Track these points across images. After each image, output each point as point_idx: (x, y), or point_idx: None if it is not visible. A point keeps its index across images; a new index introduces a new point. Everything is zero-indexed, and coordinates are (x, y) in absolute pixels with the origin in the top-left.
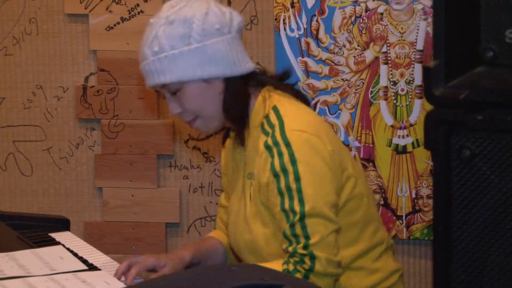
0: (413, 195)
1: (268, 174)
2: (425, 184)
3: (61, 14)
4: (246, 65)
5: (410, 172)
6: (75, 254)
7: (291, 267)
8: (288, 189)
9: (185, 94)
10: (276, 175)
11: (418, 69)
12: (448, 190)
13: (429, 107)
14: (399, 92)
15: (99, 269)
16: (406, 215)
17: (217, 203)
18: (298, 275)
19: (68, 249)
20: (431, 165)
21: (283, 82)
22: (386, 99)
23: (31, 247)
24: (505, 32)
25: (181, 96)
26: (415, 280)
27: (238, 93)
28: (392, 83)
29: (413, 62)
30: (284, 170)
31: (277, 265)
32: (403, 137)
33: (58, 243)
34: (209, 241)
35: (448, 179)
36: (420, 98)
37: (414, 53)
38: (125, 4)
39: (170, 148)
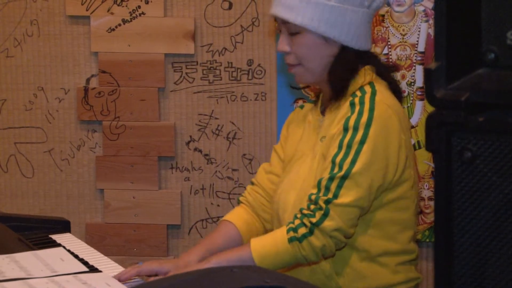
0: None
1: (339, 126)
2: (426, 186)
3: (63, 16)
4: (366, 43)
5: None
6: (76, 256)
7: (296, 222)
8: (349, 146)
9: (300, 40)
10: (346, 129)
11: (419, 71)
12: (450, 192)
13: (430, 108)
14: None
15: (100, 271)
16: None
17: (218, 205)
18: (302, 229)
19: (68, 250)
20: (432, 167)
21: (389, 72)
22: None
23: (32, 249)
24: (506, 33)
25: (296, 39)
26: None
27: (348, 64)
28: None
29: (414, 64)
30: (356, 128)
31: (280, 229)
32: None
33: (59, 245)
34: (222, 231)
35: (449, 181)
36: (422, 100)
37: (415, 55)
38: (126, 6)
39: (171, 149)
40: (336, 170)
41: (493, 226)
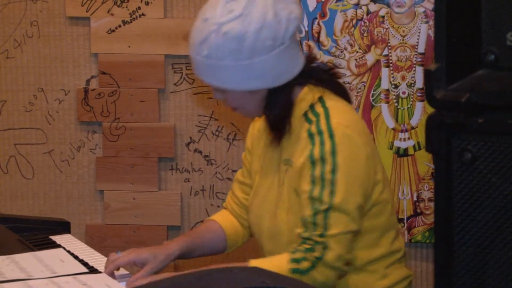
0: (415, 198)
1: (304, 160)
2: (426, 187)
3: (63, 17)
4: (294, 69)
5: (412, 175)
6: (76, 257)
7: (298, 255)
8: (322, 178)
9: (227, 95)
10: (313, 162)
11: (419, 72)
12: (450, 193)
13: (430, 110)
14: (401, 95)
15: (100, 272)
16: (408, 218)
17: (218, 206)
18: (305, 263)
19: (68, 251)
20: (432, 168)
21: (330, 75)
22: (387, 102)
23: (32, 250)
24: (506, 35)
25: (224, 94)
26: (416, 284)
27: (280, 101)
28: (393, 86)
29: (414, 65)
30: (323, 159)
31: (282, 257)
32: (404, 140)
33: (59, 246)
34: (207, 227)
35: (449, 182)
36: (422, 101)
37: (415, 56)
38: (126, 7)
39: (171, 151)
40: (317, 204)
41: (493, 226)
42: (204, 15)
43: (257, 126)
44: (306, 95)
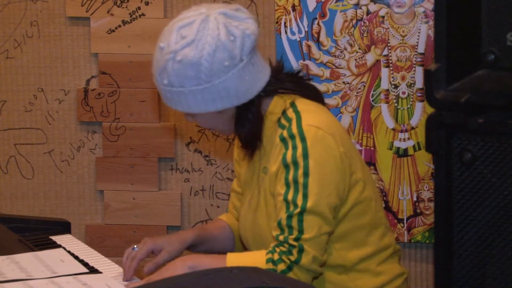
0: (414, 198)
1: (278, 164)
2: (426, 187)
3: (63, 17)
4: (258, 85)
5: (411, 175)
6: (76, 257)
7: (276, 257)
8: (295, 181)
9: (197, 118)
10: (286, 166)
11: (419, 72)
12: (449, 193)
13: (430, 110)
14: (400, 95)
15: (100, 272)
16: (407, 218)
17: (218, 206)
18: (281, 265)
19: (69, 252)
20: (432, 168)
21: (299, 80)
22: (387, 102)
23: (32, 250)
24: (506, 35)
25: (194, 117)
26: (416, 284)
27: (250, 118)
28: (393, 86)
29: (414, 65)
30: (295, 163)
31: (260, 255)
32: (404, 140)
33: (59, 246)
34: (216, 224)
35: (449, 182)
36: (422, 101)
37: (415, 56)
38: (126, 7)
39: (171, 151)
40: (291, 208)
41: (493, 227)
42: (160, 44)
43: None
44: (276, 105)
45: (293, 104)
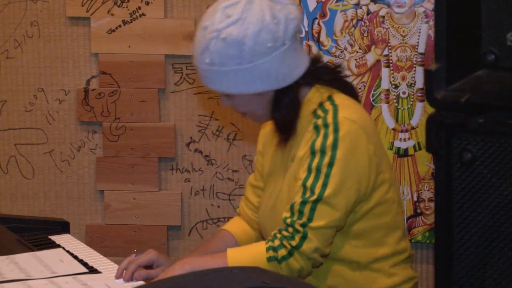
0: (415, 198)
1: (306, 149)
2: (426, 187)
3: (63, 17)
4: (298, 71)
5: (412, 175)
6: (75, 257)
7: (276, 243)
8: (318, 169)
9: (234, 100)
10: (313, 153)
11: (419, 72)
12: (450, 193)
13: (430, 110)
14: (401, 95)
15: (100, 272)
16: (408, 218)
17: (218, 206)
18: (282, 251)
19: (68, 251)
20: (432, 168)
21: (337, 74)
22: (387, 102)
23: (31, 250)
24: (506, 35)
25: (231, 99)
26: (417, 284)
27: (287, 102)
28: (393, 86)
29: (414, 65)
30: (323, 151)
31: (260, 245)
32: (404, 140)
33: (58, 246)
34: (218, 240)
35: (449, 182)
36: (422, 101)
37: (415, 56)
38: (126, 7)
39: (171, 151)
40: (308, 194)
41: (493, 227)
42: (204, 23)
43: (268, 129)
44: (313, 95)
45: (330, 98)
